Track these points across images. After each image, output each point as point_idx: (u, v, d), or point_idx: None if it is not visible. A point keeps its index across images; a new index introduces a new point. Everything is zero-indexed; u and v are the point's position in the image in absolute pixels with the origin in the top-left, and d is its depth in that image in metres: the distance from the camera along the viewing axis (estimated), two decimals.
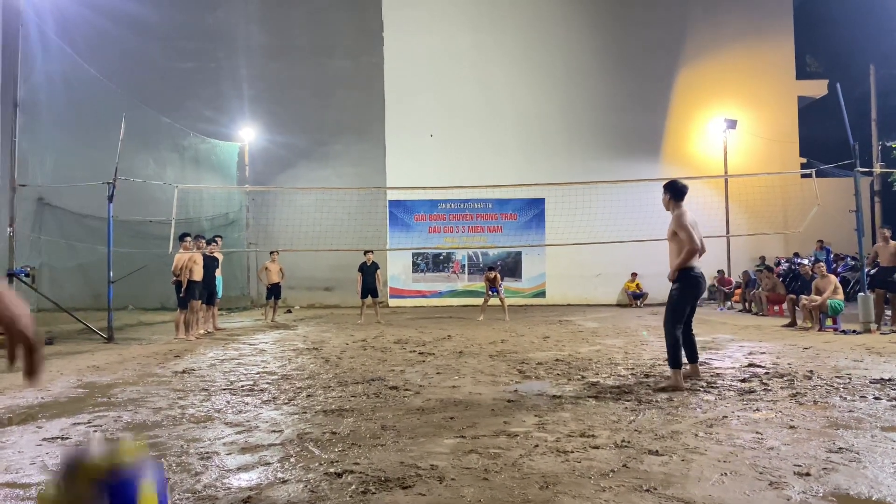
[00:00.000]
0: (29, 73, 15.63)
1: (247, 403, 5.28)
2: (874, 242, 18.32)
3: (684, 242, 5.85)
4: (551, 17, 20.31)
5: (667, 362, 5.94)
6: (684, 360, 5.93)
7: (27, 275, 10.94)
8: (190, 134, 18.59)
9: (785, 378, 6.05)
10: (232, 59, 20.50)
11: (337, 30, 20.40)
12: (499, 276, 14.57)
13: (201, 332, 11.12)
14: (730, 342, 9.10)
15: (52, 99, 18.51)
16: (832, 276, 11.20)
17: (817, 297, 10.72)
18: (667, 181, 6.31)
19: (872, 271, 11.23)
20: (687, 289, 5.88)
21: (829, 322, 10.72)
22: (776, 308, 13.84)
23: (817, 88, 21.12)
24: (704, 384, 5.81)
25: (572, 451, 3.73)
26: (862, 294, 10.51)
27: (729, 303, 16.92)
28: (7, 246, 11.02)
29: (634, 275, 18.97)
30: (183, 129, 18.31)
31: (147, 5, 19.68)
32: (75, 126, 18.94)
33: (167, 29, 20.07)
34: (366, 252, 13.84)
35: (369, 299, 13.84)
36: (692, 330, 6.17)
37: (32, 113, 16.74)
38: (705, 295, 15.14)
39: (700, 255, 5.90)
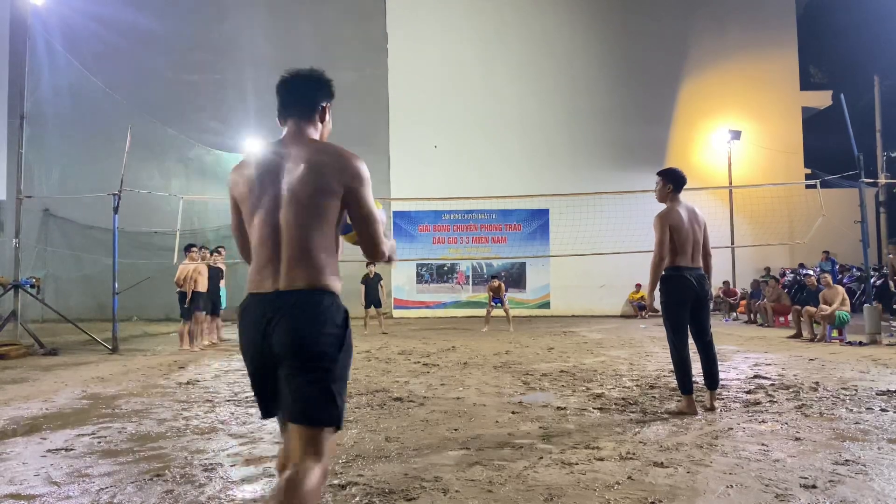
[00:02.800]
0: (35, 86, 15.80)
1: (251, 415, 5.27)
2: (879, 254, 18.30)
3: (655, 247, 5.09)
4: (556, 29, 20.39)
5: (672, 374, 5.42)
6: (701, 382, 5.20)
7: (32, 286, 10.96)
8: (195, 145, 18.69)
9: (791, 390, 6.02)
10: (238, 71, 20.59)
11: (342, 42, 20.48)
12: (503, 285, 14.47)
13: (205, 343, 11.11)
14: (735, 353, 9.06)
15: (58, 111, 18.71)
16: (840, 287, 11.14)
17: (826, 307, 10.65)
18: (664, 169, 5.51)
19: (879, 282, 11.20)
20: (666, 294, 5.07)
21: (834, 333, 10.67)
22: (781, 319, 13.78)
23: (821, 99, 21.11)
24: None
25: (577, 463, 3.72)
26: (868, 305, 10.46)
27: (734, 314, 16.86)
28: (13, 256, 11.09)
29: (639, 286, 18.93)
30: (188, 141, 18.40)
31: (153, 17, 19.82)
32: (81, 138, 19.11)
33: (173, 41, 20.20)
34: (367, 264, 13.76)
35: (373, 310, 13.80)
36: (710, 345, 5.12)
37: (39, 125, 16.95)
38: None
39: (693, 260, 5.10)
